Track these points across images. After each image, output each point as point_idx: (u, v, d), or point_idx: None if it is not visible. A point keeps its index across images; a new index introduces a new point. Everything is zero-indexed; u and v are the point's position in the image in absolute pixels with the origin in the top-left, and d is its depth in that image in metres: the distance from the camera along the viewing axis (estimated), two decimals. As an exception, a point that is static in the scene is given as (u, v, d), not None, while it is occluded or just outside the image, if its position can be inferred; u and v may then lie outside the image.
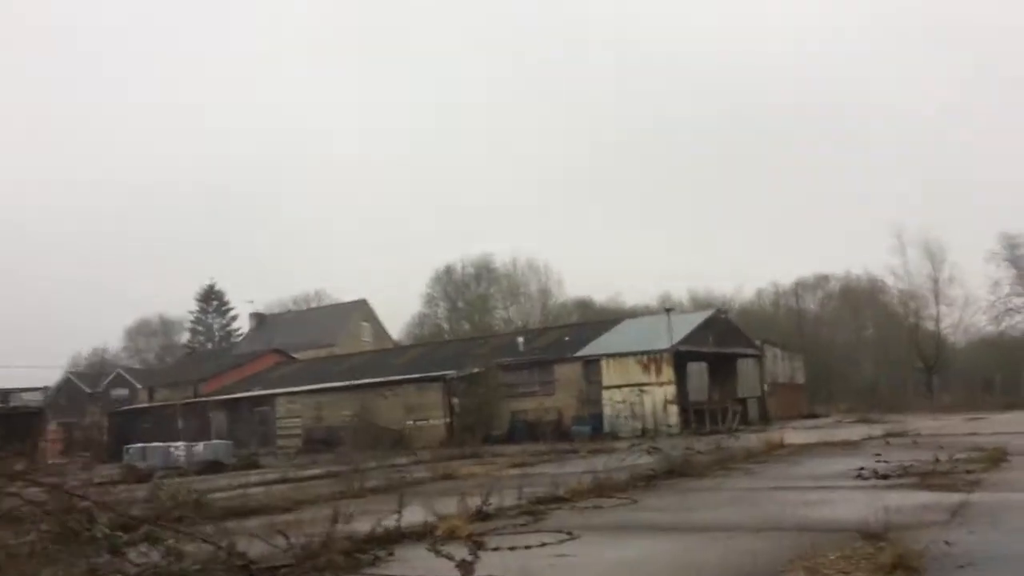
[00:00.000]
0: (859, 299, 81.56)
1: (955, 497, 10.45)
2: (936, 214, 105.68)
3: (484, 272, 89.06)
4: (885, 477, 13.29)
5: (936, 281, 65.03)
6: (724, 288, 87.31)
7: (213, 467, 29.35)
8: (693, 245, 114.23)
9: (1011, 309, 65.53)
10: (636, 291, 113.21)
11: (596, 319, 51.03)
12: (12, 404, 43.66)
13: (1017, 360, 63.91)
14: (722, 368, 42.86)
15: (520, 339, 42.88)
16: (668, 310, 37.04)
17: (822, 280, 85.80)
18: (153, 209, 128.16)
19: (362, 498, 15.40)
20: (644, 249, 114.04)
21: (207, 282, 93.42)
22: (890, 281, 70.36)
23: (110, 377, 75.74)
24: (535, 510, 11.16)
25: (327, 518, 11.76)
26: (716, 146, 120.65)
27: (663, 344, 35.46)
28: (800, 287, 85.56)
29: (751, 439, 25.38)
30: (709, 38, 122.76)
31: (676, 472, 15.75)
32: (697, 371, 43.46)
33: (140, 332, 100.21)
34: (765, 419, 42.50)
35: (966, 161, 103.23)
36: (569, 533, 9.00)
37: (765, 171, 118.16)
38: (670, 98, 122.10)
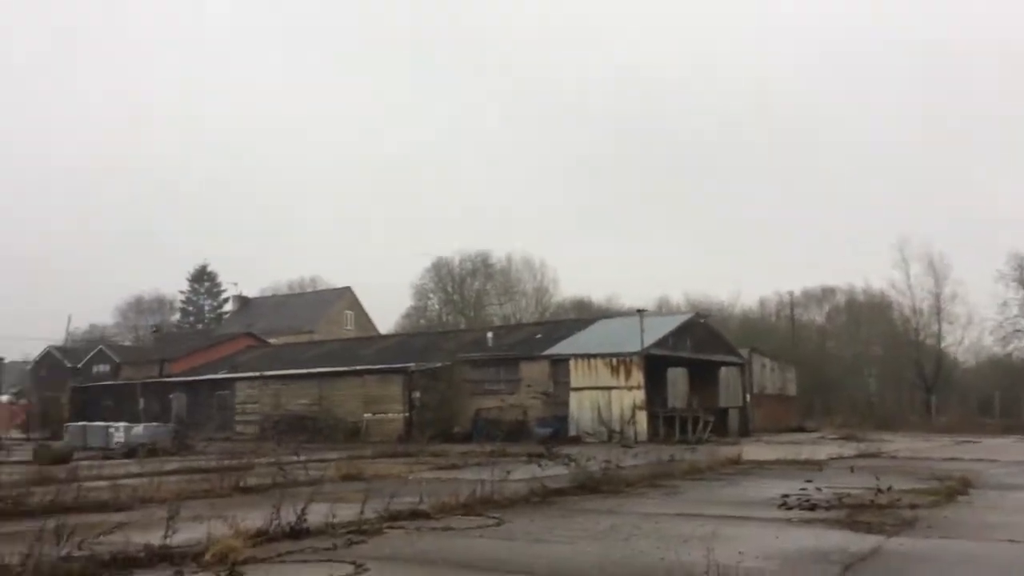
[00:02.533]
0: (863, 313, 79.32)
1: (869, 541, 8.54)
2: (943, 230, 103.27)
3: (481, 267, 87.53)
4: (812, 508, 11.36)
5: (938, 297, 62.83)
6: (722, 294, 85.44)
7: (140, 451, 27.57)
8: (694, 250, 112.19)
9: (1019, 330, 63.28)
10: (633, 293, 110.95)
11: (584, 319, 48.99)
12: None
13: (1022, 382, 61.66)
14: (703, 375, 40.71)
15: (490, 334, 40.95)
16: (640, 311, 35.00)
17: (828, 292, 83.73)
18: (158, 189, 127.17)
19: (226, 498, 13.66)
20: (644, 252, 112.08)
21: (201, 263, 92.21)
22: (892, 295, 68.12)
23: (92, 353, 74.30)
24: (370, 528, 9.34)
25: (139, 524, 10.14)
26: (721, 151, 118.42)
27: (634, 347, 33.48)
28: (805, 298, 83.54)
29: (711, 452, 23.61)
30: (716, 39, 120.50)
31: (588, 487, 13.92)
32: (677, 377, 41.36)
33: (134, 309, 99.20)
34: (745, 431, 40.48)
35: (979, 179, 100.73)
36: (360, 566, 7.18)
37: (772, 178, 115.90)
38: (675, 101, 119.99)
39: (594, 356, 34.47)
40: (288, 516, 8.99)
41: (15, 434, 45.13)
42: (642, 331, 33.47)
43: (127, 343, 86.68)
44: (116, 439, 30.89)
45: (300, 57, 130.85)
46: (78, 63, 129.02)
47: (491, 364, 37.12)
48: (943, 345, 64.84)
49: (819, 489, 12.86)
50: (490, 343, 39.51)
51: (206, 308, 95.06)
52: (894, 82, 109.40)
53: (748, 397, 42.58)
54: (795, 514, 10.94)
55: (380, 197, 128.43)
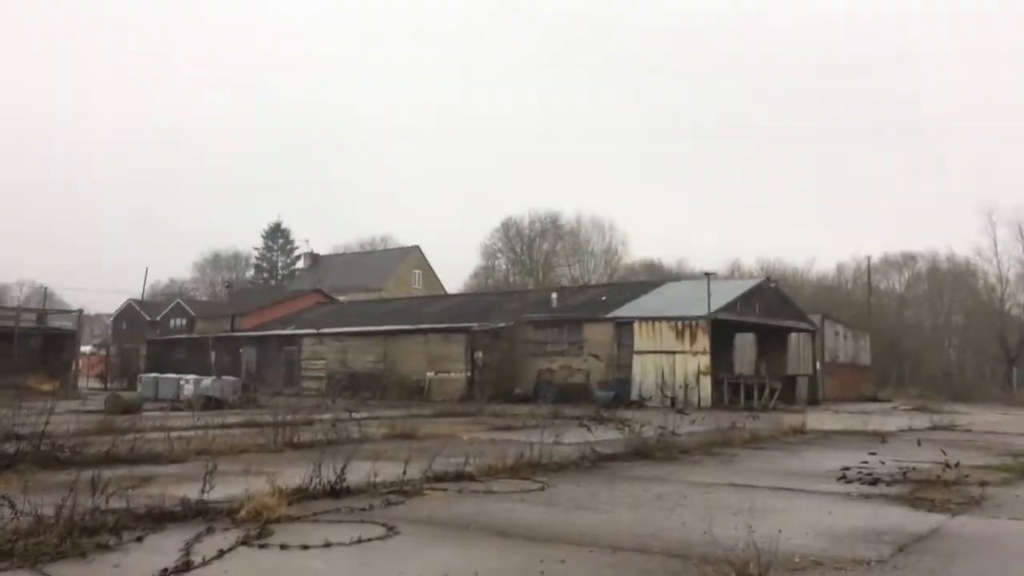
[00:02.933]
0: (946, 281, 76.37)
1: (930, 521, 8.07)
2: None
3: (550, 228, 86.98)
4: (872, 482, 10.85)
5: (1027, 265, 59.94)
6: (797, 260, 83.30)
7: (208, 404, 28.25)
8: (768, 214, 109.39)
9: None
10: (705, 257, 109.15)
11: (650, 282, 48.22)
12: (50, 325, 43.82)
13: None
14: (772, 342, 39.85)
15: (554, 295, 40.57)
16: (707, 274, 34.08)
17: (909, 259, 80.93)
18: (239, 146, 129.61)
19: (277, 453, 13.79)
20: (717, 215, 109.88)
21: (275, 219, 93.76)
22: (977, 263, 65.34)
23: (169, 307, 76.60)
24: (411, 489, 9.25)
25: (186, 476, 10.26)
26: (801, 111, 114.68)
27: (700, 311, 32.77)
28: (885, 264, 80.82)
29: (775, 420, 23.02)
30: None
31: (641, 453, 13.64)
32: (745, 343, 40.52)
33: (211, 265, 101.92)
34: (814, 399, 39.48)
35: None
36: (391, 528, 7.05)
37: (852, 141, 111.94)
38: (752, 62, 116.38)
39: (659, 319, 33.89)
40: (329, 474, 8.92)
41: (94, 384, 46.93)
42: (709, 295, 32.71)
43: (204, 298, 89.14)
44: (186, 391, 31.72)
45: (378, 26, 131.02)
46: (175, 30, 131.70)
47: (554, 325, 36.84)
48: (1029, 314, 62.10)
49: (882, 462, 12.30)
50: (554, 304, 39.21)
51: (279, 265, 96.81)
52: (992, 42, 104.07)
53: (818, 365, 41.48)
54: (854, 488, 10.46)
55: (454, 158, 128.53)
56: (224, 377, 33.43)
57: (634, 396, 33.54)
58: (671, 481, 10.79)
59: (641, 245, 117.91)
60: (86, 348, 68.34)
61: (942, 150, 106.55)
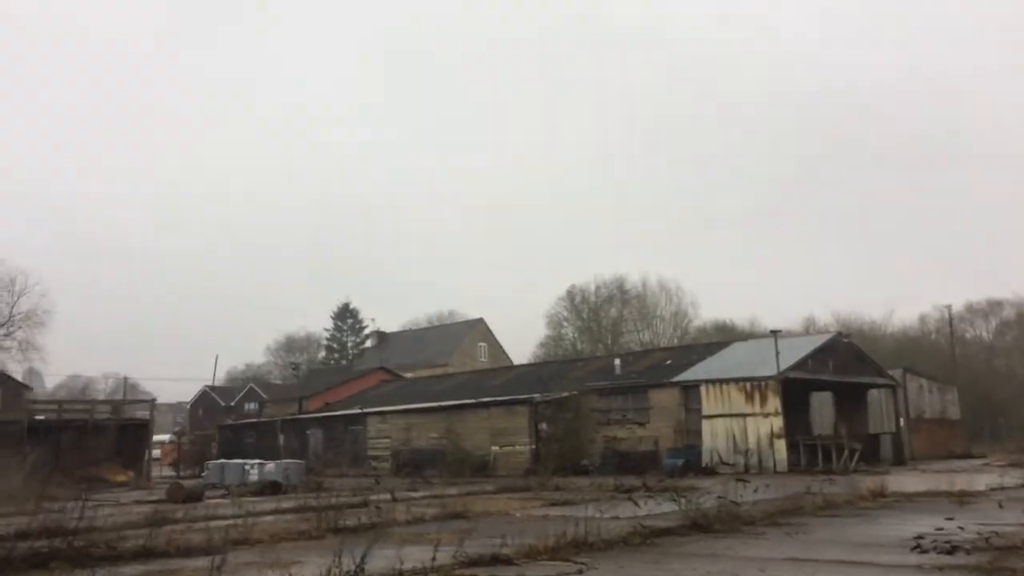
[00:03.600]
0: (1038, 326, 72.75)
1: (1011, 597, 7.15)
2: None
3: (617, 294, 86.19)
4: (950, 551, 9.85)
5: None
6: (875, 313, 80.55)
7: (270, 488, 28.09)
8: (843, 267, 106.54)
9: None
10: (778, 314, 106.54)
11: (716, 343, 46.96)
12: (125, 416, 44.64)
13: None
14: (850, 400, 38.10)
15: (617, 361, 39.70)
16: (775, 332, 32.87)
17: (995, 306, 77.56)
18: (301, 232, 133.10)
19: (318, 540, 13.33)
20: (789, 271, 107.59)
21: (343, 300, 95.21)
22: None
23: (243, 392, 77.81)
24: (432, 580, 8.65)
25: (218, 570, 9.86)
26: (872, 159, 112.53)
27: (769, 370, 31.54)
28: (970, 313, 77.57)
29: (853, 484, 21.72)
30: (861, 39, 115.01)
31: (699, 527, 12.79)
32: (822, 402, 38.84)
33: (284, 348, 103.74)
34: (899, 458, 37.44)
35: None
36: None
37: (926, 191, 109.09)
38: (818, 110, 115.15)
39: (727, 381, 32.72)
40: (349, 564, 8.43)
41: (169, 472, 47.44)
42: (777, 353, 31.51)
43: (278, 381, 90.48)
44: (251, 476, 31.70)
45: (431, 97, 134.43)
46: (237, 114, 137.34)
47: (619, 392, 35.91)
48: None
49: (961, 528, 11.22)
50: (618, 371, 38.33)
51: (349, 344, 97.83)
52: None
53: (902, 422, 39.43)
54: (928, 559, 9.49)
55: (514, 232, 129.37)
56: (289, 461, 33.34)
57: (705, 462, 32.26)
58: (725, 558, 9.97)
59: (711, 306, 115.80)
60: (164, 437, 69.70)
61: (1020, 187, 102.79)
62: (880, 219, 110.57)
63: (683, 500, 13.54)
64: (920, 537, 10.65)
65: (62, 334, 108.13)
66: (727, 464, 31.56)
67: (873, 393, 39.10)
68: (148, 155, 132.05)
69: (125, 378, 78.45)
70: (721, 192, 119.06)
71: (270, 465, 32.05)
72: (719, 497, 13.62)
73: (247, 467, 32.69)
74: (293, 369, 70.04)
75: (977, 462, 37.39)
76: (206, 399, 79.15)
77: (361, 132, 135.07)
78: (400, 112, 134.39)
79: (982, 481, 22.27)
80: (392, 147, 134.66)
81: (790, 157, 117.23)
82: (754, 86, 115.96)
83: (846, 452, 30.39)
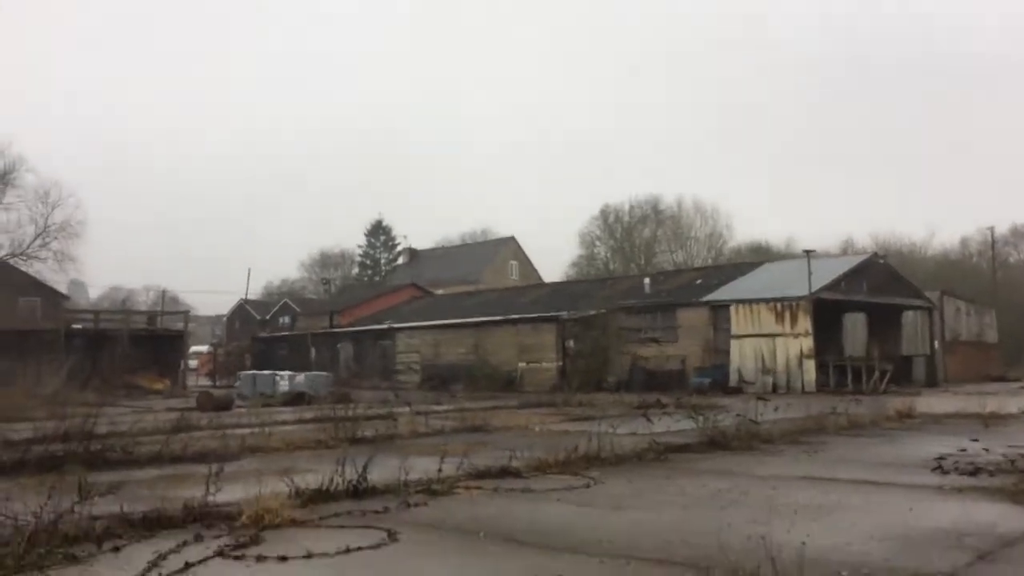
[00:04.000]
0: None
1: (1030, 519, 6.86)
2: None
3: (651, 214, 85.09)
4: (973, 472, 9.56)
5: None
6: (916, 234, 78.86)
7: (297, 399, 28.46)
8: (883, 187, 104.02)
9: None
10: (815, 235, 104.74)
11: (747, 263, 46.22)
12: (162, 327, 45.42)
13: None
14: (885, 322, 37.34)
15: (647, 280, 39.26)
16: (808, 252, 32.15)
17: (1039, 227, 75.29)
18: (333, 151, 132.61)
19: (334, 449, 13.34)
20: (828, 191, 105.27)
21: (376, 218, 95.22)
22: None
23: (277, 306, 78.72)
24: (440, 488, 8.56)
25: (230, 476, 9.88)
26: (911, 77, 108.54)
27: (801, 291, 30.96)
28: (1015, 236, 75.49)
29: (880, 404, 21.37)
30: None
31: (716, 444, 12.61)
32: (855, 323, 38.17)
33: (319, 264, 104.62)
34: (933, 380, 36.93)
35: None
36: (393, 534, 6.38)
37: (971, 105, 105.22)
38: (862, 27, 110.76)
39: (757, 301, 32.23)
40: (351, 473, 8.35)
41: (205, 382, 48.44)
42: (810, 273, 30.87)
43: (312, 296, 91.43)
44: (281, 387, 32.16)
45: (464, 20, 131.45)
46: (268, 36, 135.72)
47: (647, 311, 35.59)
48: None
49: (986, 449, 10.90)
50: (647, 290, 37.94)
51: (382, 261, 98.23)
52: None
53: (937, 344, 38.76)
54: (949, 480, 9.20)
55: (551, 147, 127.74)
56: (318, 373, 33.73)
57: (733, 382, 32.07)
58: (736, 475, 9.77)
59: (748, 227, 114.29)
60: (201, 348, 71.12)
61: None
62: (924, 141, 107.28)
63: (700, 418, 13.31)
64: (942, 458, 10.34)
65: (101, 247, 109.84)
66: (751, 384, 31.40)
67: (908, 315, 38.36)
68: (182, 68, 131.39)
69: (164, 291, 79.85)
70: (762, 113, 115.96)
71: (299, 377, 32.44)
72: (738, 415, 13.38)
73: (277, 378, 33.12)
74: (324, 284, 70.59)
75: (1013, 385, 36.77)
76: (242, 312, 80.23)
77: (400, 42, 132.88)
78: (432, 26, 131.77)
79: (1013, 404, 21.80)
80: (426, 79, 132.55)
81: (832, 80, 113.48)
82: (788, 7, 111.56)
83: (876, 373, 29.98)
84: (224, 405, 25.26)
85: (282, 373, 33.75)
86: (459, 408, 22.85)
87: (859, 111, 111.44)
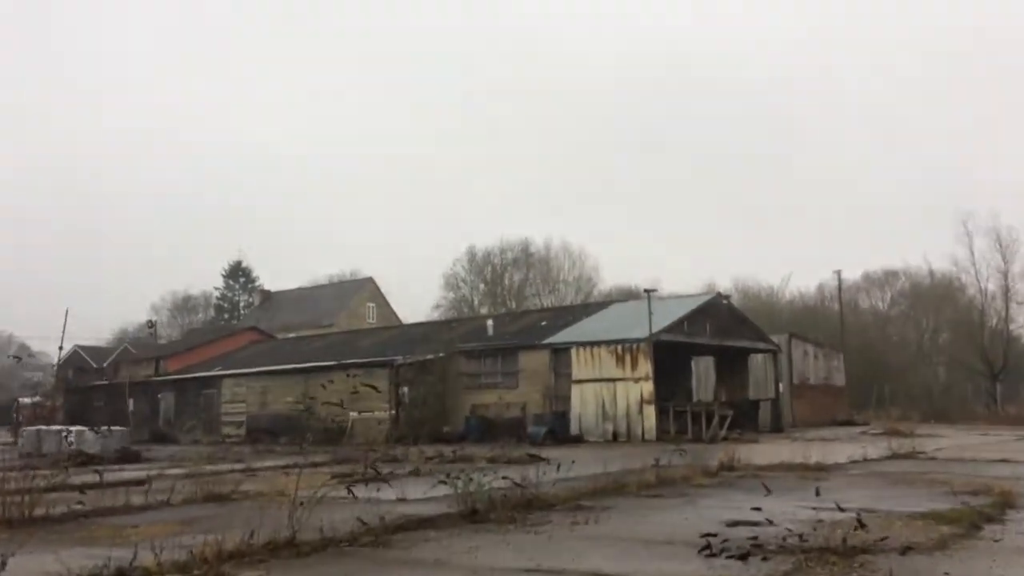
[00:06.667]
0: (929, 297, 73.47)
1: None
2: (1010, 204, 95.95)
3: (521, 257, 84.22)
4: (743, 556, 7.55)
5: (1006, 275, 56.92)
6: (774, 279, 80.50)
7: (79, 459, 24.74)
8: (743, 236, 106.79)
9: (1099, 311, 57.14)
10: (679, 280, 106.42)
11: (595, 303, 44.90)
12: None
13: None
14: (731, 364, 36.49)
15: (490, 322, 37.20)
16: (648, 291, 30.89)
17: (891, 276, 78.15)
18: (191, 188, 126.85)
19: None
20: (692, 239, 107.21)
21: (235, 258, 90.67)
22: (955, 274, 62.41)
23: (117, 351, 73.00)
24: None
25: None
26: (770, 131, 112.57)
27: (642, 332, 29.50)
28: (867, 283, 78.03)
29: (708, 454, 19.72)
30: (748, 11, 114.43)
31: (473, 514, 10.35)
32: (702, 367, 37.13)
33: (182, 307, 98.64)
34: (778, 425, 36.17)
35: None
36: None
37: (830, 158, 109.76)
38: (714, 81, 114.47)
39: (598, 344, 30.61)
40: None
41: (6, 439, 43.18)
42: (651, 314, 29.49)
43: (163, 341, 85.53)
44: (70, 444, 28.29)
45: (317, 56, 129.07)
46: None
47: (488, 355, 33.48)
48: (1012, 328, 58.93)
49: (769, 522, 8.95)
50: (490, 332, 35.86)
51: (241, 304, 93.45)
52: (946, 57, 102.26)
53: (781, 387, 38.14)
54: (714, 566, 7.17)
55: (418, 195, 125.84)
56: (113, 428, 29.93)
57: (574, 430, 30.22)
58: (449, 567, 7.46)
59: (615, 272, 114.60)
60: (26, 400, 64.66)
61: (919, 160, 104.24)
62: (786, 191, 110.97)
63: (460, 481, 11.00)
64: (712, 535, 8.31)
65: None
66: (594, 432, 29.68)
67: (756, 358, 37.67)
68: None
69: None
70: (624, 161, 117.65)
71: (88, 434, 28.66)
72: (505, 477, 11.16)
73: (64, 435, 29.23)
74: (149, 328, 65.65)
75: (856, 429, 36.45)
76: (76, 359, 73.96)
77: (252, 83, 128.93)
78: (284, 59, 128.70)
79: (847, 451, 20.61)
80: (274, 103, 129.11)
81: (694, 131, 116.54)
82: (649, 59, 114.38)
83: (716, 419, 28.66)
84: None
85: (71, 429, 29.81)
86: (246, 468, 19.87)
87: (726, 159, 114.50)
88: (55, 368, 77.89)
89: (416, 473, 17.23)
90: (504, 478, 11.19)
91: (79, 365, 73.91)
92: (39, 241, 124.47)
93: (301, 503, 8.69)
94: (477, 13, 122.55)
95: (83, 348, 73.67)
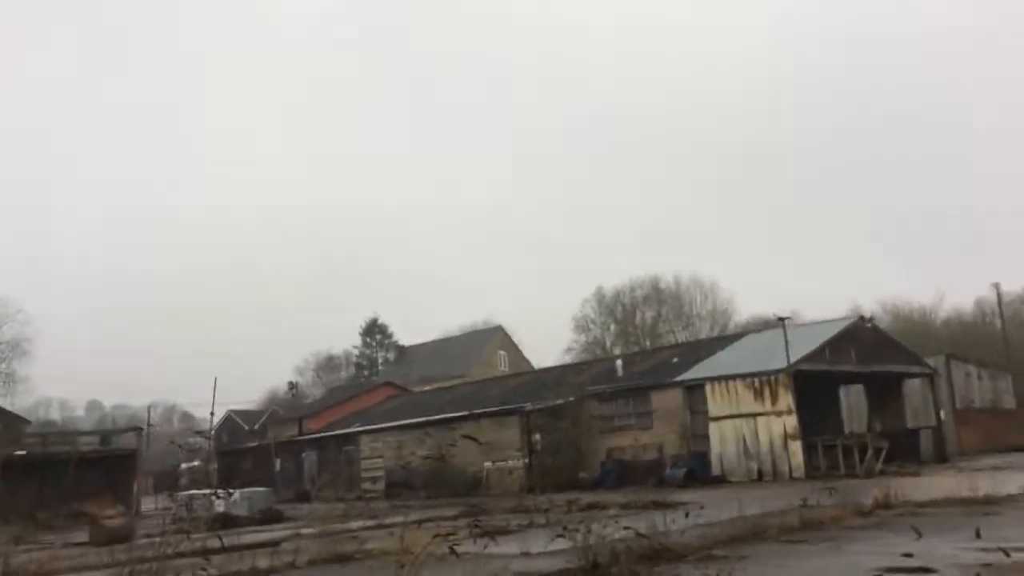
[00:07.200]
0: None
1: None
2: None
3: (652, 294, 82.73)
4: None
5: None
6: (924, 299, 75.42)
7: (223, 521, 25.44)
8: (889, 256, 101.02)
9: None
10: (822, 305, 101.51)
11: (727, 336, 43.08)
12: (112, 446, 42.63)
13: None
14: (882, 392, 34.05)
15: (619, 362, 36.20)
16: (782, 319, 29.25)
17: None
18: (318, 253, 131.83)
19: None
20: (834, 263, 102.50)
21: (371, 316, 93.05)
22: None
23: (266, 414, 75.85)
24: None
25: None
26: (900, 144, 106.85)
27: (780, 363, 27.91)
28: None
29: (862, 490, 18.18)
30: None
31: (596, 568, 9.66)
32: (852, 396, 34.80)
33: (326, 367, 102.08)
34: (941, 455, 33.34)
35: None
36: None
37: (974, 170, 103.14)
38: (861, 98, 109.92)
39: (733, 378, 29.16)
40: None
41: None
42: (787, 343, 27.89)
43: (308, 400, 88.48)
44: (218, 507, 29.20)
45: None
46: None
47: (619, 396, 32.49)
48: None
49: (925, 571, 7.84)
50: (619, 372, 34.89)
51: (379, 360, 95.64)
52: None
53: (943, 413, 35.25)
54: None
55: (537, 246, 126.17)
56: (256, 489, 30.70)
57: (715, 471, 28.78)
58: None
59: (752, 302, 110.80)
60: (184, 466, 68.02)
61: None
62: (929, 207, 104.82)
63: (578, 533, 10.30)
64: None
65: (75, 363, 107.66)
66: (737, 472, 28.16)
67: (912, 384, 35.03)
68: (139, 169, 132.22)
69: (173, 404, 77.13)
70: (757, 188, 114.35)
71: (236, 495, 29.47)
72: (628, 528, 10.38)
73: (214, 497, 30.19)
74: (291, 389, 67.70)
75: (1034, 456, 33.15)
76: (229, 423, 77.37)
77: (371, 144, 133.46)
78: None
79: (1018, 482, 18.54)
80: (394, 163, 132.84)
81: (836, 146, 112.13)
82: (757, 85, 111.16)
83: (870, 452, 26.60)
84: (121, 537, 22.31)
85: (219, 491, 30.79)
86: (380, 524, 19.74)
87: (861, 176, 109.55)
88: (211, 433, 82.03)
89: (544, 524, 16.53)
90: (626, 528, 10.42)
91: (232, 428, 77.29)
92: (201, 318, 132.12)
93: (402, 565, 8.24)
94: (624, 77, 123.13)
95: (236, 412, 76.99)
